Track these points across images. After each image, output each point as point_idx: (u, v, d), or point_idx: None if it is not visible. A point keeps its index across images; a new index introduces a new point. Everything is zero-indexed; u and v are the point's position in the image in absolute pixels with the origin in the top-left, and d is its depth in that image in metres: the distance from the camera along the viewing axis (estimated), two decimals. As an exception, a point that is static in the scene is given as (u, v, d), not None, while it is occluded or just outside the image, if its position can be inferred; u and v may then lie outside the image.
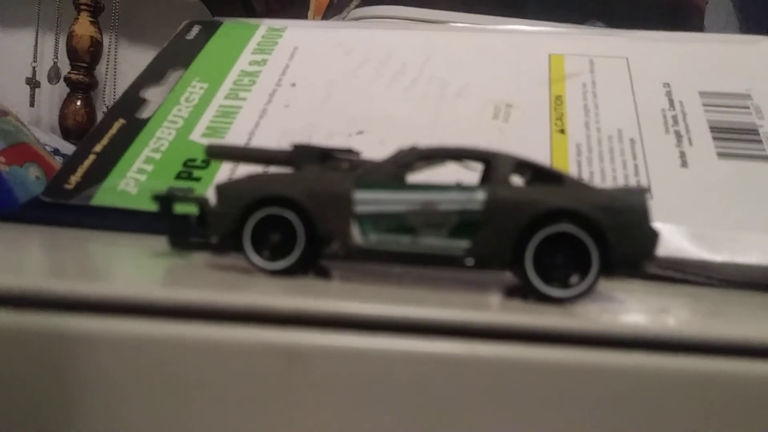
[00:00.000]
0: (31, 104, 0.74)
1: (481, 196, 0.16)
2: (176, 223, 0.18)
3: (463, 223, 0.16)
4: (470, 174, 0.19)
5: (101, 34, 0.72)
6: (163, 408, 0.13)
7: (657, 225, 0.16)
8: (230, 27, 0.36)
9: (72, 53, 0.71)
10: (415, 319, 0.13)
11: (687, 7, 0.47)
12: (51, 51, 0.75)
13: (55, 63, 0.74)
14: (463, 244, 0.16)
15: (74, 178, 0.28)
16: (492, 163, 0.17)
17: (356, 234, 0.16)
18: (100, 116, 0.73)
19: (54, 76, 0.74)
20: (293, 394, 0.13)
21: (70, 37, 0.70)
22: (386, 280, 0.17)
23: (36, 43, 0.75)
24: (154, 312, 0.13)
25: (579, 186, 0.16)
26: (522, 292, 0.17)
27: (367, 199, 0.16)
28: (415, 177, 0.18)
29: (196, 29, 0.36)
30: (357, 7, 0.39)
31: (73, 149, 0.57)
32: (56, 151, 0.57)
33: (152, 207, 0.26)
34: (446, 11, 0.39)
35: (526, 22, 0.37)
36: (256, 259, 0.16)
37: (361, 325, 0.13)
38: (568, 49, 0.32)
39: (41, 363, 0.13)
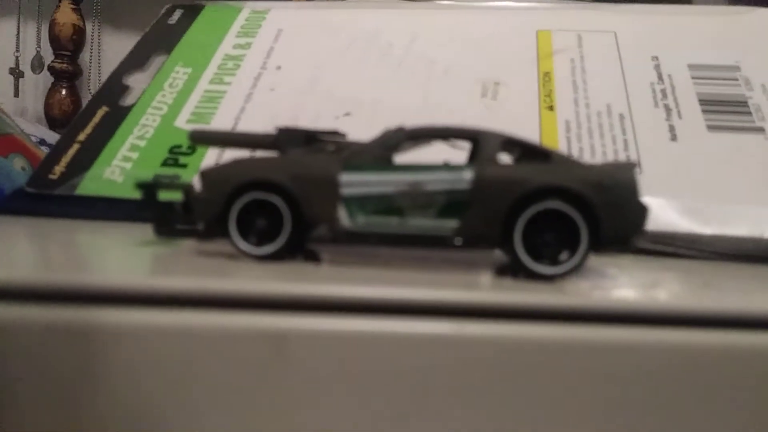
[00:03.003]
0: (16, 95, 0.73)
1: (468, 175, 0.16)
2: (161, 211, 0.18)
3: (451, 203, 0.16)
4: (459, 154, 0.18)
5: (84, 21, 0.70)
6: (151, 396, 0.13)
7: (647, 199, 0.16)
8: (213, 10, 0.35)
9: (55, 42, 0.69)
10: (406, 300, 0.13)
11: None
12: (33, 40, 0.73)
13: (38, 52, 0.73)
14: (452, 224, 0.16)
15: (58, 168, 0.28)
16: (479, 141, 0.16)
17: (343, 217, 0.16)
18: (85, 105, 0.72)
19: (37, 65, 0.73)
20: (283, 379, 0.13)
21: (53, 25, 0.69)
22: (374, 262, 0.17)
23: (18, 32, 0.73)
24: (143, 301, 0.13)
25: (567, 162, 0.16)
26: (512, 270, 0.17)
27: (354, 182, 0.16)
28: (403, 158, 0.17)
29: (178, 13, 0.35)
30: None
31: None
32: (42, 141, 0.56)
33: (138, 195, 0.26)
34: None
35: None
36: (243, 244, 0.16)
37: (352, 309, 0.13)
38: (555, 24, 0.31)
39: (28, 354, 0.12)
